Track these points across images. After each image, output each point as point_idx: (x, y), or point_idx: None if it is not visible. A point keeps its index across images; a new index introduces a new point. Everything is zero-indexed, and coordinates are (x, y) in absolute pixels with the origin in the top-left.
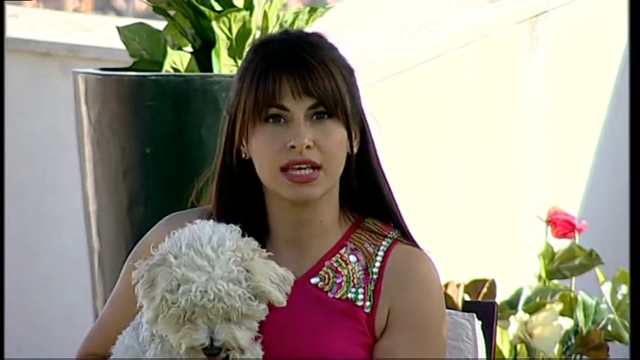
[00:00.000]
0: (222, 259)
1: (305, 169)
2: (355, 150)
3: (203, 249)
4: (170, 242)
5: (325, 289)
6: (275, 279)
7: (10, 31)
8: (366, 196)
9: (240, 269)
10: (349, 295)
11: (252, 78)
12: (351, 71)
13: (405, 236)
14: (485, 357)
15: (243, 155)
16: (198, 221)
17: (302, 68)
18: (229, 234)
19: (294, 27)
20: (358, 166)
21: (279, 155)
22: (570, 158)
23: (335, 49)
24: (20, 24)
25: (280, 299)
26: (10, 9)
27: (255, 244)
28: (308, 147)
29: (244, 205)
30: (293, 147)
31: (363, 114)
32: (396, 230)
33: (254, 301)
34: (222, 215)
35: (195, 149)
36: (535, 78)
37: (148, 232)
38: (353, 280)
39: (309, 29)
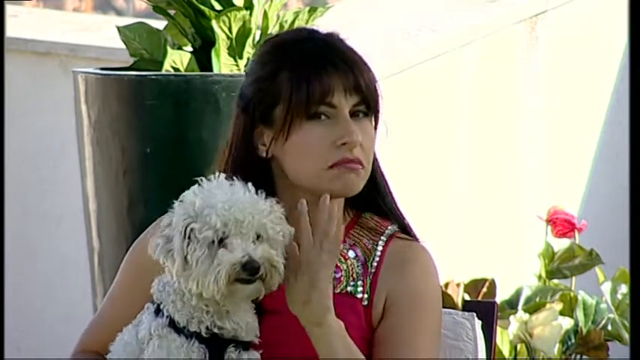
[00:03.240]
0: (239, 191)
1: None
2: None
3: (219, 183)
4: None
5: None
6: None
7: (10, 31)
8: (366, 192)
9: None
10: (348, 288)
11: (300, 75)
12: None
13: (403, 230)
14: (485, 357)
15: (264, 154)
16: None
17: (353, 65)
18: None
19: (294, 26)
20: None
21: (328, 153)
22: (570, 158)
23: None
24: (20, 24)
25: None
26: (10, 9)
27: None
28: (360, 144)
29: None
30: (343, 144)
31: None
32: (393, 225)
33: (279, 224)
34: None
35: (195, 149)
36: (535, 78)
37: (147, 230)
38: (352, 275)
39: None
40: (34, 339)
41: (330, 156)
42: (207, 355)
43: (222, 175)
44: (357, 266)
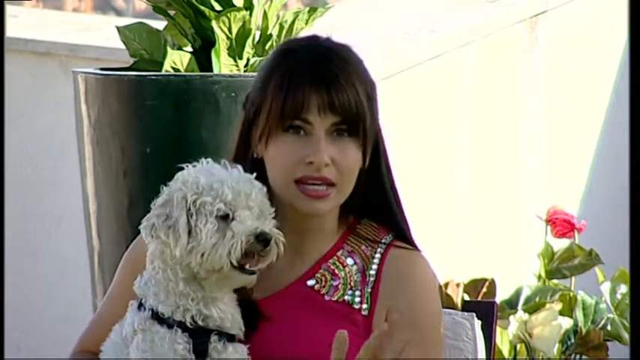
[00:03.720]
0: (233, 169)
1: (320, 185)
2: (367, 163)
3: (211, 165)
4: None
5: (322, 292)
6: None
7: (10, 31)
8: (369, 202)
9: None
10: (346, 297)
11: (281, 86)
12: (373, 86)
13: (401, 238)
14: (484, 356)
15: (255, 155)
16: None
17: (330, 84)
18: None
19: (294, 27)
20: (368, 179)
21: (296, 168)
22: (570, 158)
23: (361, 62)
24: (20, 24)
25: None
26: (10, 9)
27: None
28: (326, 164)
29: None
30: (311, 162)
31: (379, 128)
32: (391, 233)
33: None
34: None
35: (196, 149)
36: (535, 78)
37: None
38: (350, 283)
39: (309, 29)
40: (34, 339)
41: (296, 171)
42: (192, 345)
43: (209, 159)
44: (355, 274)
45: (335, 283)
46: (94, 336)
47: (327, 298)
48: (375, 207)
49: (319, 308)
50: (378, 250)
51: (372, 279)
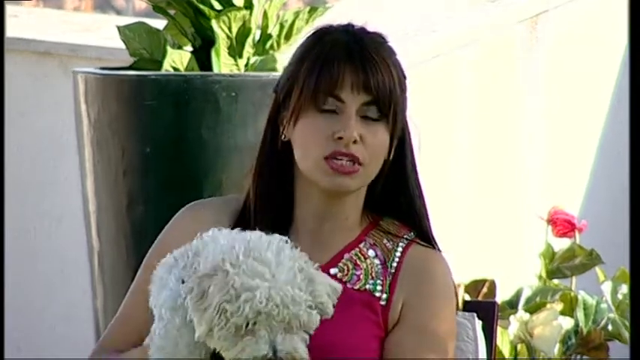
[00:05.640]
0: (284, 266)
1: (347, 161)
2: (392, 153)
3: (262, 255)
4: (220, 249)
5: (344, 280)
6: (329, 290)
7: (10, 31)
8: (392, 199)
9: (303, 277)
10: (367, 286)
11: (315, 63)
12: (405, 78)
13: (423, 237)
14: (485, 357)
15: (282, 137)
16: (248, 232)
17: (366, 63)
18: (284, 243)
19: (294, 26)
20: (391, 172)
21: (326, 144)
22: (571, 158)
23: (395, 53)
24: (20, 24)
25: (331, 311)
26: (10, 9)
27: (305, 255)
28: (355, 142)
29: (276, 190)
30: (340, 138)
31: (407, 123)
32: (412, 232)
33: (313, 310)
34: (258, 197)
35: (195, 149)
36: (535, 78)
37: (171, 221)
38: (371, 274)
39: (309, 29)
40: (34, 339)
41: (326, 147)
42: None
43: (277, 236)
44: (377, 265)
45: (357, 273)
46: (114, 337)
47: (349, 286)
48: (398, 204)
49: (343, 295)
50: (400, 244)
51: (392, 271)
